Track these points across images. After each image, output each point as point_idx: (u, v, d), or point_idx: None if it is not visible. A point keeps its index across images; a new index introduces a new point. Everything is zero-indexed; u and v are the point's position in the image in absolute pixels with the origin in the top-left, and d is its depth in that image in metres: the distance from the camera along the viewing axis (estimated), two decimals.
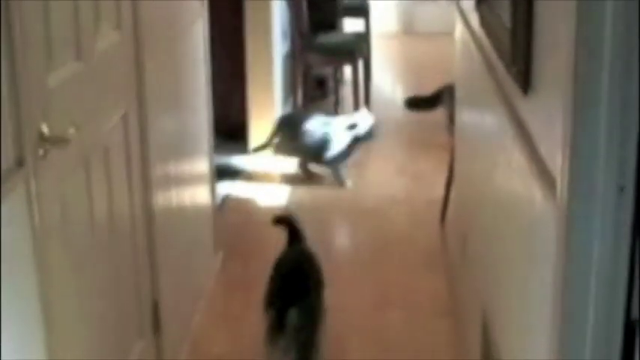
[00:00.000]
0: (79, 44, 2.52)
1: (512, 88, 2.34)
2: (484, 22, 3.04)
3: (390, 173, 6.24)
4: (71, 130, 2.30)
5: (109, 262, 2.84)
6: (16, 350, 2.07)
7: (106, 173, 2.77)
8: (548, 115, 1.84)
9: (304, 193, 5.85)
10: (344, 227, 5.34)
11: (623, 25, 1.52)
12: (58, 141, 2.24)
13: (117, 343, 2.94)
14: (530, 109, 2.11)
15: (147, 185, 3.26)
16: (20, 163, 2.09)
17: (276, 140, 5.99)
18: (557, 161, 1.69)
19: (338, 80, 8.01)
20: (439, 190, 5.31)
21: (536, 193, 1.94)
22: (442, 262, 4.75)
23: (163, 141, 3.50)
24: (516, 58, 2.18)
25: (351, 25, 8.38)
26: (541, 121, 1.96)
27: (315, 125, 5.88)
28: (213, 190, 4.64)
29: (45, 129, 2.20)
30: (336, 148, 5.85)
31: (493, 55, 2.77)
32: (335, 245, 5.06)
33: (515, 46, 2.20)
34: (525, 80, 2.10)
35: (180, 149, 3.91)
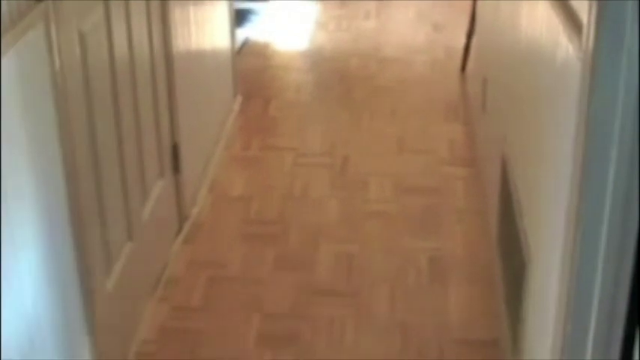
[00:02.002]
0: None
1: None
2: None
3: (412, 22, 6.16)
4: None
5: (129, 103, 2.83)
6: (38, 188, 2.08)
7: (125, 12, 2.74)
8: None
9: (324, 37, 5.80)
10: (363, 74, 5.30)
11: None
12: None
13: (138, 183, 2.96)
14: None
15: (166, 27, 3.23)
16: None
17: None
18: (584, 5, 1.65)
19: None
20: (460, 40, 5.26)
21: (561, 37, 1.91)
22: (462, 109, 4.74)
23: None
24: None
25: None
26: None
27: None
28: (232, 34, 4.60)
29: None
30: None
31: None
32: (354, 92, 5.03)
33: None
34: None
35: None
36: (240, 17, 5.63)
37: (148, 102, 3.07)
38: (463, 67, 5.24)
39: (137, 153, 2.94)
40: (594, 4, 1.56)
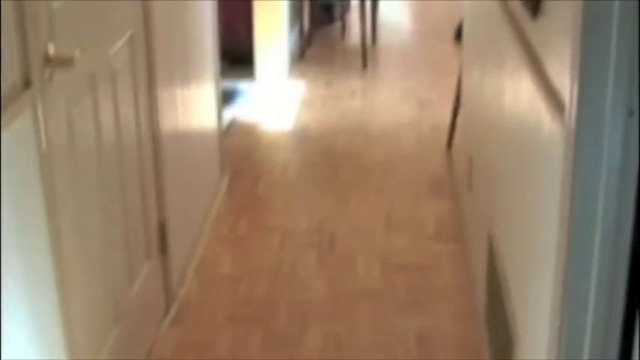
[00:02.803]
0: None
1: (520, 11, 2.32)
2: None
3: (397, 100, 6.21)
4: (77, 52, 2.29)
5: (116, 184, 2.84)
6: (25, 271, 2.08)
7: (112, 95, 2.76)
8: (558, 38, 1.82)
9: (310, 116, 5.84)
10: (350, 152, 5.33)
11: None
12: (64, 62, 2.23)
13: (124, 264, 2.96)
14: (540, 33, 2.09)
15: (153, 107, 3.25)
16: (27, 84, 2.08)
17: None
18: (565, 85, 1.68)
19: (344, 6, 7.95)
20: (446, 117, 5.31)
21: (544, 116, 1.93)
22: (449, 186, 4.76)
23: (170, 63, 3.48)
24: None
25: None
26: (550, 45, 1.95)
27: None
28: (219, 114, 4.63)
29: (51, 50, 2.18)
30: None
31: None
32: (342, 169, 5.06)
33: None
34: (534, 3, 2.08)
35: (187, 72, 3.90)
36: (227, 97, 5.68)
37: (135, 183, 3.08)
38: (449, 144, 5.28)
39: (124, 234, 2.94)
40: (575, 85, 1.58)
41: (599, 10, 1.53)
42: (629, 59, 1.53)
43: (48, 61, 2.18)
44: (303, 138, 5.54)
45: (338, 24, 7.81)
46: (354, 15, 7.84)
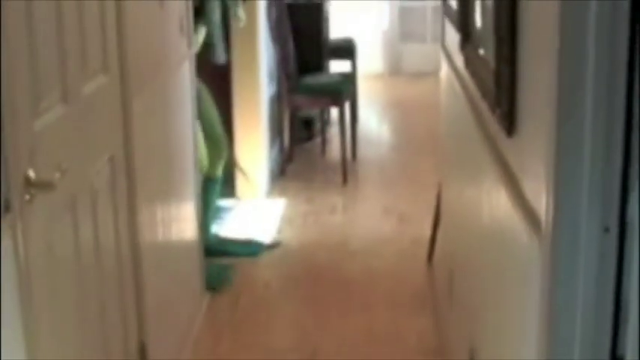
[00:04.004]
0: (66, 87, 2.53)
1: (496, 129, 2.35)
2: (469, 63, 3.07)
3: (378, 214, 6.24)
4: (57, 175, 2.31)
5: (96, 304, 2.83)
6: None
7: (92, 216, 2.77)
8: (532, 157, 1.85)
9: (291, 233, 5.85)
10: (331, 267, 5.33)
11: (606, 68, 1.54)
12: (44, 186, 2.24)
13: None
14: (515, 151, 2.13)
15: (133, 227, 3.26)
16: (6, 208, 2.09)
17: None
18: (541, 202, 1.70)
19: (325, 121, 8.04)
20: (426, 230, 5.33)
21: (521, 233, 1.95)
22: (429, 300, 4.76)
23: (150, 183, 3.50)
24: (500, 101, 2.20)
25: (338, 66, 8.41)
26: (525, 163, 1.98)
27: None
28: (200, 231, 4.64)
29: (31, 174, 2.20)
30: None
31: (477, 96, 2.79)
32: (323, 284, 5.05)
33: (499, 88, 2.22)
34: (509, 123, 2.12)
35: (168, 190, 3.92)
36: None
37: (115, 302, 3.06)
38: (430, 258, 5.29)
39: (104, 354, 2.92)
40: (551, 203, 1.61)
41: (572, 130, 1.56)
42: (603, 178, 1.56)
43: (28, 185, 2.19)
44: (283, 254, 5.54)
45: (318, 139, 7.88)
46: (334, 129, 7.91)
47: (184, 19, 4.26)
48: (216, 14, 5.27)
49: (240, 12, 5.62)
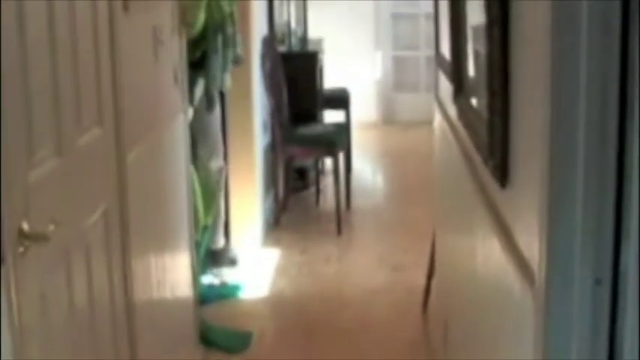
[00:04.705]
0: (60, 140, 2.54)
1: (489, 180, 2.36)
2: (462, 115, 3.08)
3: (372, 264, 6.24)
4: (51, 227, 2.31)
5: (90, 358, 2.82)
6: None
7: (86, 269, 2.77)
8: (525, 208, 1.86)
9: (285, 283, 5.84)
10: (326, 317, 5.32)
11: (598, 120, 1.55)
12: (38, 238, 2.24)
13: None
14: (508, 202, 2.13)
15: (127, 279, 3.25)
16: (0, 260, 2.09)
17: None
18: (534, 254, 1.70)
19: (319, 171, 8.06)
20: (420, 280, 5.32)
21: (514, 284, 1.95)
22: (424, 350, 4.74)
23: (145, 235, 3.50)
24: (493, 153, 2.21)
25: (332, 116, 8.44)
26: (518, 215, 1.98)
27: None
28: (194, 284, 4.62)
29: (25, 226, 2.20)
30: None
31: (471, 147, 2.81)
32: (317, 335, 5.04)
33: (491, 140, 2.23)
34: (502, 174, 2.12)
35: (162, 242, 3.91)
36: (203, 264, 5.67)
37: (108, 356, 3.05)
38: (424, 308, 5.28)
39: None
40: (544, 255, 1.61)
41: (565, 182, 1.57)
42: (595, 229, 1.57)
43: (22, 237, 2.19)
44: (278, 305, 5.53)
45: (312, 189, 7.89)
46: (328, 179, 7.93)
47: (179, 70, 4.28)
48: (217, 68, 5.31)
49: (239, 50, 5.61)
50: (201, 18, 4.87)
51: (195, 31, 4.79)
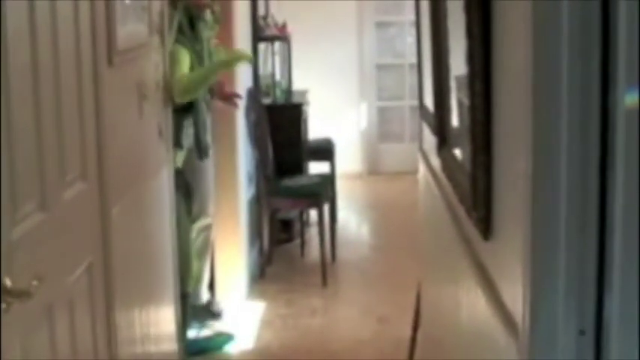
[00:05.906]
0: (44, 194, 2.54)
1: (473, 232, 2.37)
2: (445, 167, 3.09)
3: (357, 316, 6.22)
4: (35, 282, 2.30)
5: None
6: None
7: (70, 324, 2.76)
8: (509, 261, 1.87)
9: (270, 336, 5.82)
10: None
11: (579, 174, 1.56)
12: (21, 295, 2.24)
13: None
14: (491, 255, 2.14)
15: (112, 334, 3.24)
16: None
17: None
18: (518, 306, 1.71)
19: (304, 222, 8.06)
20: (406, 331, 5.30)
21: (499, 336, 1.95)
22: None
23: (129, 289, 3.49)
24: (476, 205, 2.21)
25: (317, 167, 8.46)
26: (502, 267, 1.99)
27: None
28: (179, 337, 4.61)
29: (8, 282, 2.19)
30: None
31: (454, 199, 2.81)
32: None
33: (475, 193, 2.23)
34: (485, 227, 2.13)
35: (147, 296, 3.90)
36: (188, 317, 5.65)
37: None
38: (410, 359, 5.25)
39: None
40: (527, 307, 1.62)
41: (546, 235, 1.58)
42: (578, 281, 1.57)
43: (5, 293, 2.18)
44: (263, 358, 5.50)
45: (297, 241, 7.88)
46: (313, 230, 7.93)
47: (163, 125, 4.30)
48: (205, 113, 5.34)
49: None
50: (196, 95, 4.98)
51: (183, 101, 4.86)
